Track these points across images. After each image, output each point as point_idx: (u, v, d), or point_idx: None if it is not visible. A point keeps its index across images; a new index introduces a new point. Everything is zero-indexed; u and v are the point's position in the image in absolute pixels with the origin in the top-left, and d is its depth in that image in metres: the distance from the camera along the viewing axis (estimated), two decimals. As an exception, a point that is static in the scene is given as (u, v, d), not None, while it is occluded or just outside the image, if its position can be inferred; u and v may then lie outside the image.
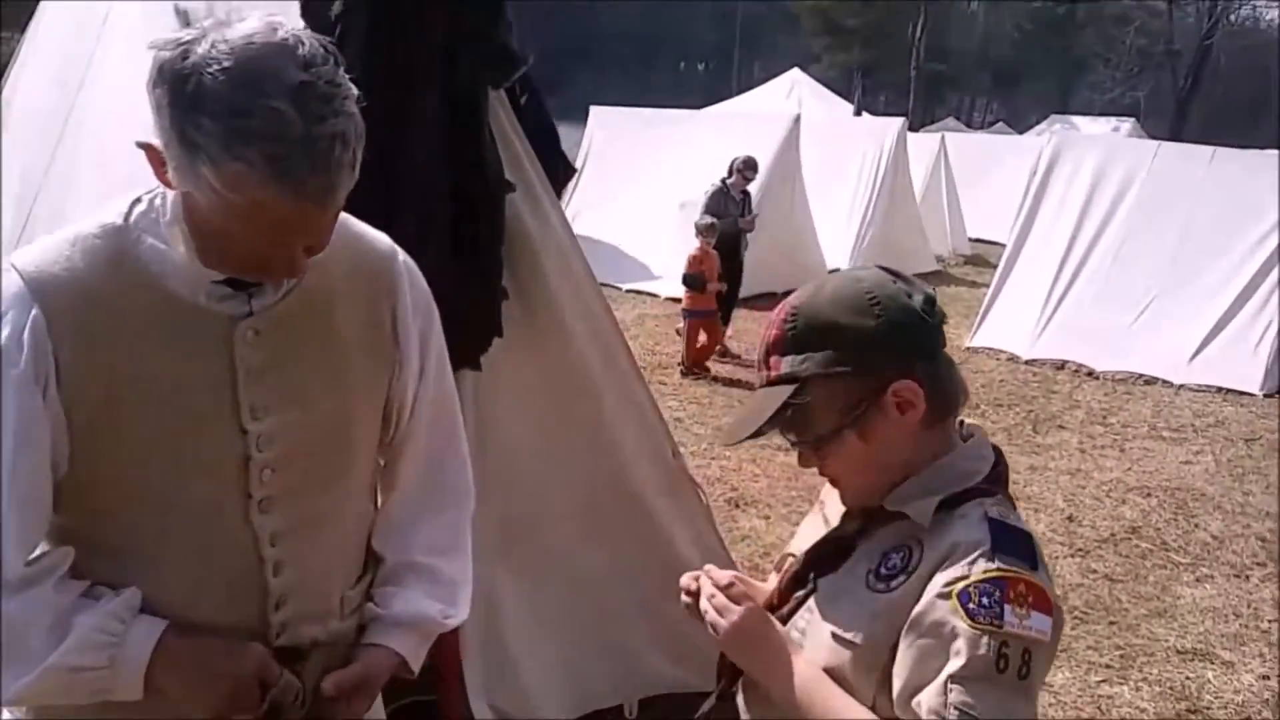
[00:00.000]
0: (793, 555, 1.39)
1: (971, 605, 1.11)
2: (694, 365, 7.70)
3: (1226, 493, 5.51)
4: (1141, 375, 8.00)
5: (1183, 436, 6.62)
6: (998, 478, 1.26)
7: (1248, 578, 4.40)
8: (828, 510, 1.41)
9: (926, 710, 1.11)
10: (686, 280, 7.70)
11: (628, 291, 10.46)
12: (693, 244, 7.78)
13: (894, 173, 12.11)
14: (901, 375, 1.19)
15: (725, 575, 1.33)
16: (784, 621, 1.30)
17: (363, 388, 1.29)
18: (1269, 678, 3.55)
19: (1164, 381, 7.91)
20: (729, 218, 7.96)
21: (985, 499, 1.22)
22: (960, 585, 1.12)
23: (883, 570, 1.22)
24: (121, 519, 1.18)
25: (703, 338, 7.80)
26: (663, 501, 3.00)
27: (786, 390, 1.21)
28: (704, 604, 1.29)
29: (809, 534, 1.40)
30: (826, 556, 1.31)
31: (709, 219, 7.76)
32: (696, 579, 1.35)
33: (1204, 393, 7.70)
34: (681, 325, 8.00)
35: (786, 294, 1.29)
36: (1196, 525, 5.06)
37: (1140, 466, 5.97)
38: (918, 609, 1.15)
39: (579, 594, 2.91)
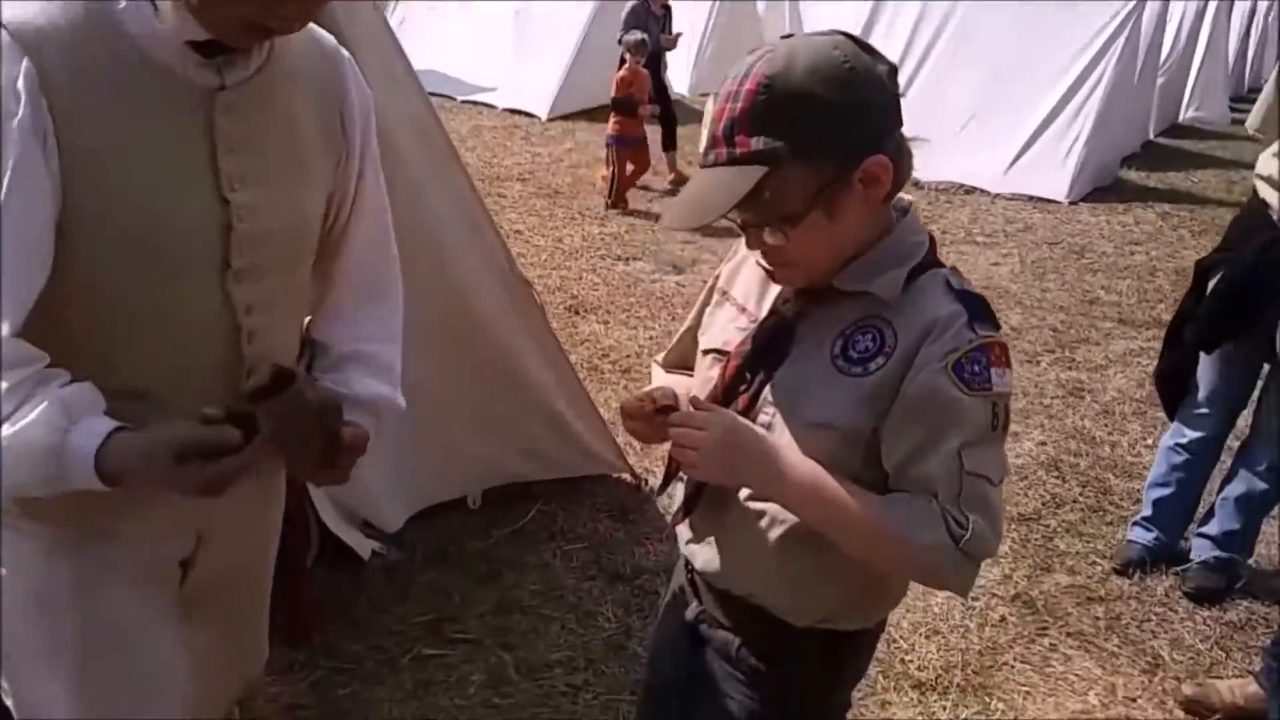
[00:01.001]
0: (717, 351, 1.35)
1: (966, 375, 1.15)
2: (619, 198, 7.10)
3: (1027, 289, 6.00)
4: (962, 185, 8.42)
5: (994, 241, 7.09)
6: (934, 247, 1.27)
7: (1038, 363, 4.87)
8: (738, 298, 1.37)
9: (940, 479, 1.16)
10: (617, 104, 7.07)
11: (463, 103, 10.05)
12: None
13: (736, -18, 11.87)
14: (873, 151, 1.15)
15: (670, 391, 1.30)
16: None
17: (317, 173, 1.32)
18: (1045, 443, 4.01)
19: (982, 191, 8.36)
20: (649, 35, 7.32)
21: (938, 269, 1.23)
22: (954, 358, 1.15)
23: (853, 353, 1.21)
24: (103, 290, 1.16)
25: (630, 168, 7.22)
26: (496, 304, 3.02)
27: (757, 171, 1.13)
28: (678, 429, 1.23)
29: (725, 326, 1.37)
30: (767, 347, 1.28)
31: (638, 35, 7.08)
32: (644, 400, 1.33)
33: (1017, 201, 8.20)
34: (606, 155, 7.32)
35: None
36: (999, 318, 5.50)
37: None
38: (913, 387, 1.17)
39: (416, 395, 2.93)
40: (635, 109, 7.06)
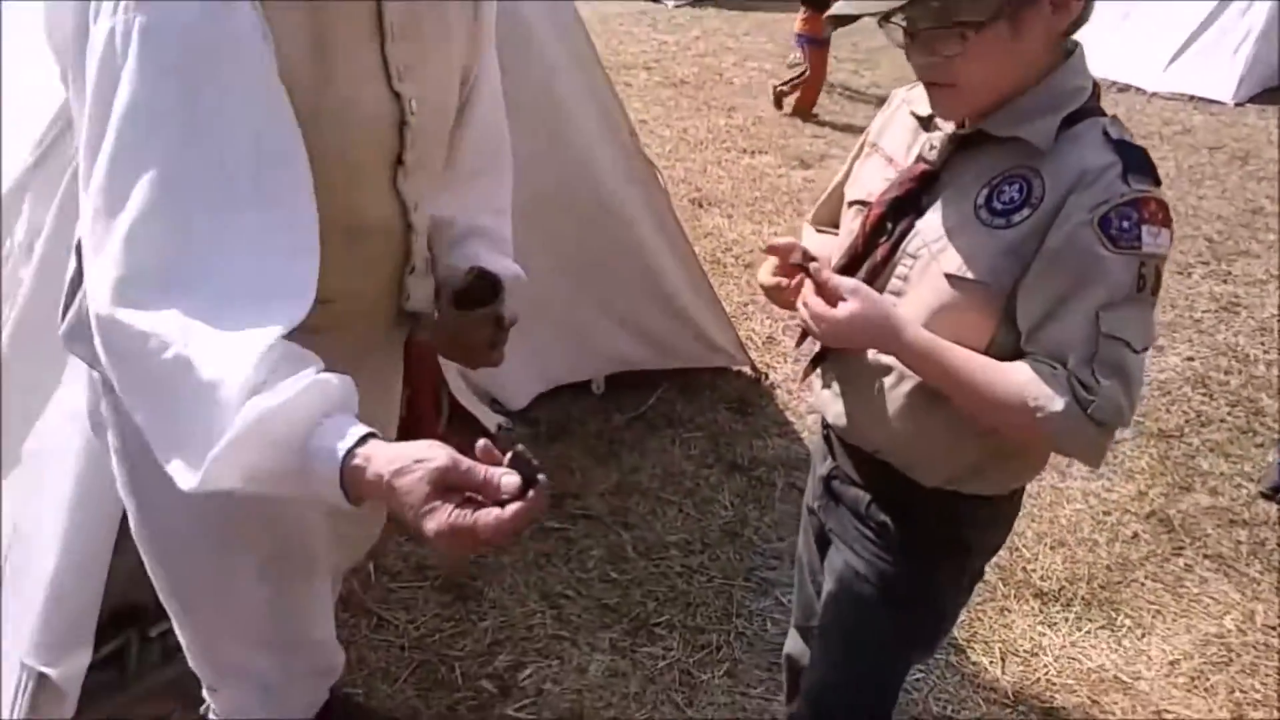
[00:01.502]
0: (861, 202, 1.31)
1: (1113, 231, 1.09)
2: (807, 105, 6.48)
3: (1182, 197, 5.59)
4: (1115, 82, 7.83)
5: (1149, 144, 6.53)
6: (1098, 95, 1.20)
7: (1190, 274, 4.57)
8: (887, 150, 1.33)
9: (1073, 339, 1.11)
10: None
11: (591, -12, 9.83)
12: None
13: None
14: None
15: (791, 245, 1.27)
16: (877, 274, 1.25)
17: (458, 51, 1.27)
18: (1193, 359, 3.79)
19: (1138, 89, 7.77)
20: None
21: (1098, 117, 1.17)
22: (1101, 211, 1.09)
23: (997, 204, 1.16)
24: None
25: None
26: (623, 188, 2.98)
27: None
28: (807, 299, 1.21)
29: (871, 177, 1.33)
30: (910, 196, 1.24)
31: None
32: (780, 252, 1.29)
33: (1176, 100, 7.61)
34: (796, 55, 6.70)
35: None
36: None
37: (1102, 172, 5.99)
38: (1055, 239, 1.12)
39: (544, 278, 2.95)
40: (827, 4, 6.51)
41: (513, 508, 0.85)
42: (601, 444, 2.99)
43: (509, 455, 0.87)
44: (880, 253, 1.26)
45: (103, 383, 1.23)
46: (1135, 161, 1.12)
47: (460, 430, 2.82)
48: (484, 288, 1.24)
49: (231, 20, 0.94)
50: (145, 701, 1.96)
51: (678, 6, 9.59)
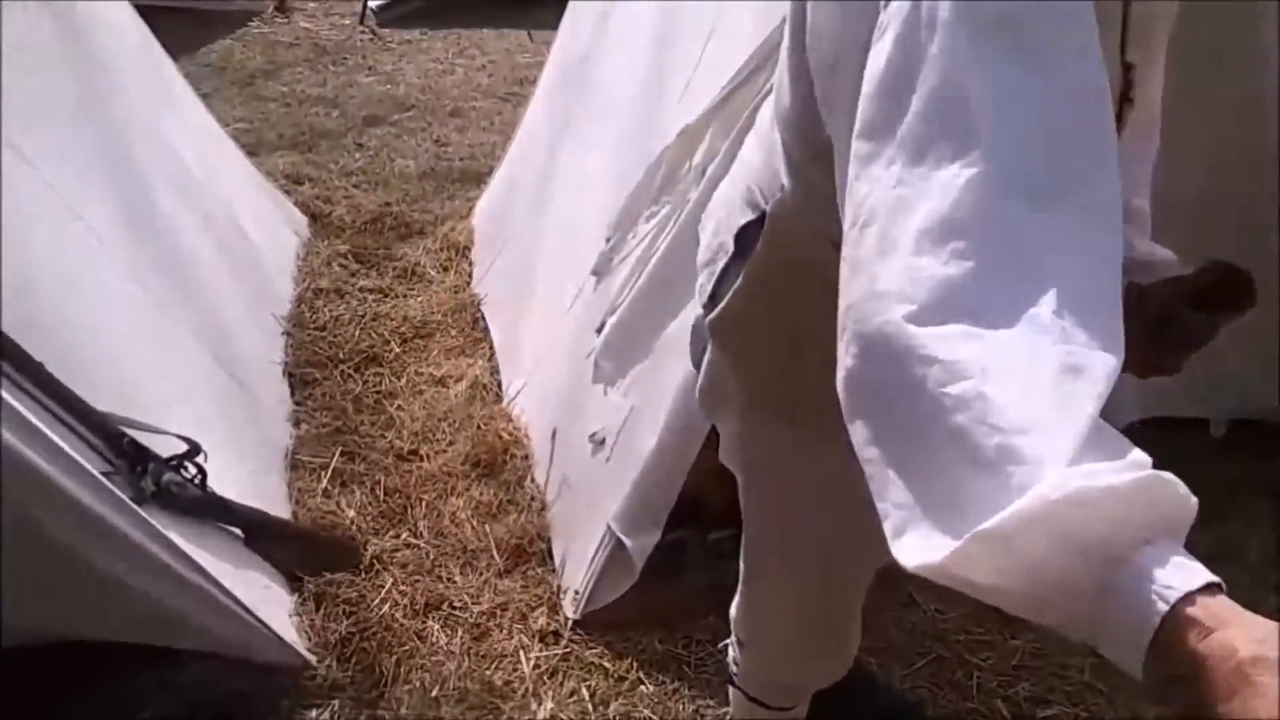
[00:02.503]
0: None
1: None
2: None
3: None
4: None
5: None
6: None
7: None
8: None
9: None
10: None
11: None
12: None
13: None
14: None
15: None
16: None
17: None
18: None
19: None
20: None
21: None
22: None
23: None
24: None
25: None
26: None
27: None
28: None
29: None
30: None
31: None
32: None
33: None
34: None
35: None
36: None
37: None
38: None
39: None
40: None
41: None
42: (1204, 497, 2.54)
43: None
44: None
45: (732, 365, 1.27)
46: None
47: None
48: (1228, 286, 1.06)
49: None
50: (688, 594, 2.16)
51: None
